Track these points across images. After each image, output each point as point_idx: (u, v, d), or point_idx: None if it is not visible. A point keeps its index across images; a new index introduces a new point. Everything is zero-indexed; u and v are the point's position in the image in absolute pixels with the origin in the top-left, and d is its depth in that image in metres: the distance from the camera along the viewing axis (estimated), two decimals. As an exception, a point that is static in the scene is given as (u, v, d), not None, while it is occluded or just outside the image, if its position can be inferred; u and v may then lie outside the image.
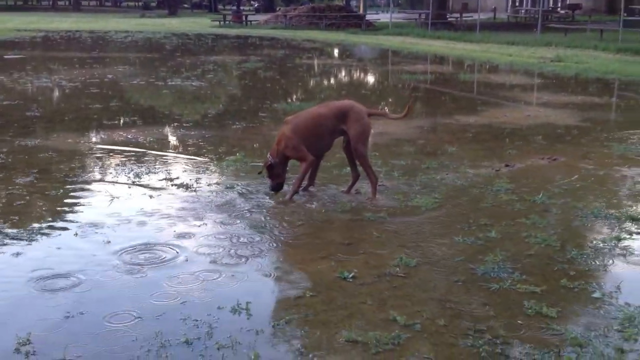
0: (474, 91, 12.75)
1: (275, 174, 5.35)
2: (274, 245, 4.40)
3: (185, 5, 68.35)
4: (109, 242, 4.36)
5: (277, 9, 49.50)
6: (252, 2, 72.40)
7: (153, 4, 69.39)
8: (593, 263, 4.08)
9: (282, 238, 4.53)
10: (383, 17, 38.59)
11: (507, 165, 6.46)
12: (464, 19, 33.08)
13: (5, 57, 18.22)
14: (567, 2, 38.19)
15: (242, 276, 3.87)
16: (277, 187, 5.42)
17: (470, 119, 9.19)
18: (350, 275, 3.84)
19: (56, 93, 12.06)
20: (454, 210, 5.09)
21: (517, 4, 48.02)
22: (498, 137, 7.99)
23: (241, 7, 55.46)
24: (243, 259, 4.12)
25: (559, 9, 40.96)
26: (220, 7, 61.83)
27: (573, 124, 8.76)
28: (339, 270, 3.91)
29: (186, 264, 4.03)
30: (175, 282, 3.77)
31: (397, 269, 3.96)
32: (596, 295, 3.62)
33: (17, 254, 4.17)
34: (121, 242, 4.35)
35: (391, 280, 3.81)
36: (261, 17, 40.50)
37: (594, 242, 4.46)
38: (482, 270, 3.93)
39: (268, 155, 5.37)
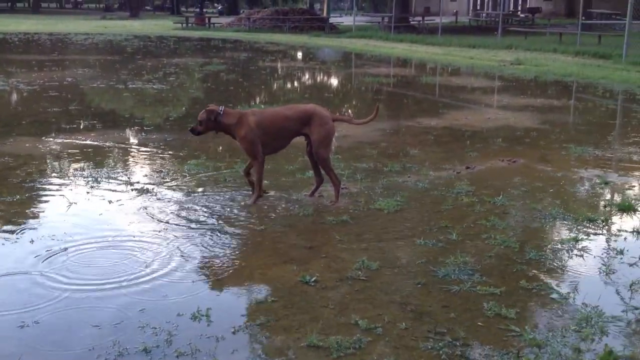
0: (436, 94, 12.86)
1: (206, 126, 5.22)
2: (236, 250, 4.36)
3: (148, 8, 67.67)
4: (66, 248, 4.27)
5: (241, 11, 49.38)
6: (215, 4, 72.04)
7: (115, 6, 68.53)
8: (551, 264, 4.14)
9: (244, 242, 4.50)
10: (346, 20, 38.79)
11: (467, 168, 6.52)
12: (426, 22, 33.37)
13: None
14: (528, 6, 38.83)
15: (202, 282, 3.83)
16: (195, 132, 5.31)
17: (432, 121, 9.27)
18: (312, 280, 3.83)
19: (14, 96, 11.82)
20: (416, 213, 5.12)
21: (478, 7, 48.65)
22: (459, 140, 8.07)
23: (204, 10, 55.10)
24: (204, 265, 4.08)
25: (519, 12, 41.63)
26: (183, 9, 61.33)
27: (532, 127, 8.89)
28: (301, 274, 3.90)
29: (145, 269, 3.96)
30: (133, 288, 3.71)
31: (359, 272, 3.96)
32: (554, 295, 3.67)
33: (-29, 263, 4.06)
34: (79, 248, 4.27)
35: (353, 284, 3.81)
36: (224, 20, 40.35)
37: (552, 243, 4.52)
38: (442, 272, 3.96)
39: (222, 107, 5.23)
